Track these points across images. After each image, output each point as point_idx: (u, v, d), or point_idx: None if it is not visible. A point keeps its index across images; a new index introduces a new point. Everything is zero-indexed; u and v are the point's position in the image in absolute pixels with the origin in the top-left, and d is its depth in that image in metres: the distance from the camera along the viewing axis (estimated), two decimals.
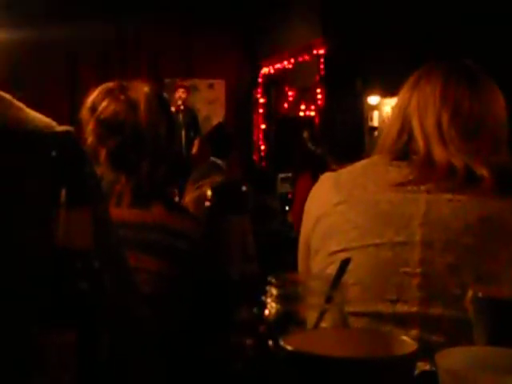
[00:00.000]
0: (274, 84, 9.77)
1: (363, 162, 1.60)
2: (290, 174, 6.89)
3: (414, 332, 1.34)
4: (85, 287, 0.77)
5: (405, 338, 0.75)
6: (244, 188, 0.65)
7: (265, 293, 0.87)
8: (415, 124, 1.55)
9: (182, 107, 8.87)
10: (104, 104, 2.03)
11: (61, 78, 9.59)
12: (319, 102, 8.46)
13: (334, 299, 0.86)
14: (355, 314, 1.38)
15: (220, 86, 10.44)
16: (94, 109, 2.05)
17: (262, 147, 9.88)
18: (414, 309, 1.35)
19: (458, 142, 1.51)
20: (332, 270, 1.46)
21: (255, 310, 0.62)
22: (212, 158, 6.23)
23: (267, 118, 9.88)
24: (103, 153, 2.09)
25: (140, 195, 2.05)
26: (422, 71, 1.62)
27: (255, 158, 9.86)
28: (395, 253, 1.40)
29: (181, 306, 1.79)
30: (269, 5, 9.40)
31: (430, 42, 6.85)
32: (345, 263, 0.90)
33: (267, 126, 9.86)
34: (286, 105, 9.39)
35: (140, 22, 9.74)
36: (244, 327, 0.60)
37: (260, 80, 9.97)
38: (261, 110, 9.98)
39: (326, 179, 1.61)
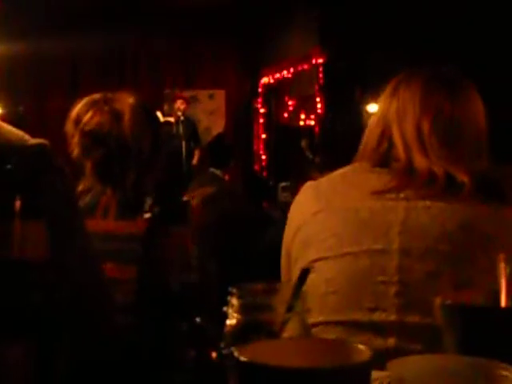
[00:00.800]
0: (274, 94, 9.78)
1: (343, 170, 1.59)
2: (290, 183, 6.90)
3: (392, 340, 1.33)
4: (38, 300, 0.76)
5: (361, 346, 0.74)
6: (185, 199, 0.64)
7: (226, 303, 0.87)
8: (395, 131, 1.55)
9: (181, 118, 8.88)
10: (88, 116, 2.04)
11: (62, 91, 9.61)
12: (319, 111, 8.46)
13: (295, 308, 0.86)
14: (332, 323, 1.37)
15: (220, 96, 10.45)
16: (78, 121, 2.05)
17: (263, 157, 9.87)
18: (392, 317, 1.34)
19: (438, 149, 1.50)
20: (313, 278, 1.46)
21: (197, 320, 0.62)
22: (211, 169, 6.22)
23: (267, 127, 9.88)
24: (89, 165, 2.10)
25: (126, 207, 2.05)
26: (402, 78, 1.61)
27: (256, 167, 9.86)
28: (373, 261, 1.39)
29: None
30: (268, 15, 9.42)
31: (429, 50, 6.85)
32: (304, 272, 0.89)
33: (268, 136, 9.86)
34: (285, 114, 9.39)
35: (140, 33, 9.77)
36: (186, 338, 0.59)
37: (260, 90, 9.97)
38: (261, 120, 9.99)
39: (307, 188, 1.60)
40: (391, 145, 1.55)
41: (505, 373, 0.68)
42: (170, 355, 0.55)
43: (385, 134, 1.56)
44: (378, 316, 1.35)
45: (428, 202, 1.43)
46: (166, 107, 9.75)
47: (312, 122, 8.62)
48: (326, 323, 1.37)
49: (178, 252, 0.57)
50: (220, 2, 9.33)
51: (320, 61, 8.47)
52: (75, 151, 2.10)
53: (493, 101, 1.70)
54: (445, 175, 1.45)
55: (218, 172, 6.21)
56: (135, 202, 2.08)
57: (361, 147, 1.62)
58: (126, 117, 2.04)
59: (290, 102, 9.30)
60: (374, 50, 7.41)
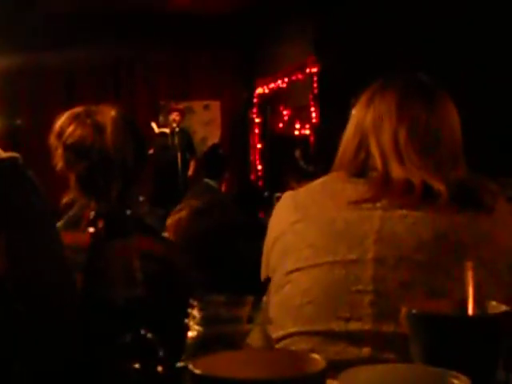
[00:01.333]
0: (269, 103, 9.79)
1: (321, 180, 1.59)
2: None
3: (366, 350, 1.33)
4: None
5: (315, 356, 0.74)
6: (129, 212, 0.64)
7: (188, 316, 0.87)
8: (372, 141, 1.55)
9: (176, 129, 8.89)
10: (71, 129, 2.04)
11: (58, 102, 9.62)
12: (314, 121, 8.47)
13: (256, 320, 0.86)
14: (308, 333, 1.37)
15: (215, 106, 10.46)
16: (61, 134, 2.05)
17: (259, 167, 9.88)
18: (367, 326, 1.34)
19: (415, 158, 1.50)
20: (288, 289, 1.46)
21: (143, 333, 0.62)
22: (205, 179, 6.23)
23: (263, 137, 9.89)
24: (73, 178, 2.10)
25: None
26: (376, 87, 1.61)
27: (252, 177, 9.86)
28: (348, 271, 1.39)
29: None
30: (262, 26, 9.44)
31: (425, 59, 6.86)
32: (264, 284, 0.89)
33: (263, 146, 9.87)
34: (281, 124, 9.40)
35: (135, 44, 9.79)
36: (129, 351, 0.59)
37: (255, 100, 9.99)
38: (256, 130, 9.99)
39: (286, 198, 1.61)
40: (368, 155, 1.55)
41: (456, 381, 0.68)
42: (112, 367, 0.55)
43: (362, 145, 1.57)
44: (353, 325, 1.35)
45: (404, 212, 1.43)
46: (161, 118, 9.76)
47: (307, 132, 8.63)
48: (301, 333, 1.37)
49: (121, 266, 0.57)
50: (215, 13, 9.36)
51: (314, 70, 8.48)
52: (59, 164, 2.10)
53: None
54: (422, 184, 1.46)
55: (212, 182, 6.23)
56: (119, 214, 2.07)
57: (338, 156, 1.62)
58: (108, 129, 2.04)
59: (284, 112, 9.31)
60: (368, 58, 7.42)
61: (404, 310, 0.98)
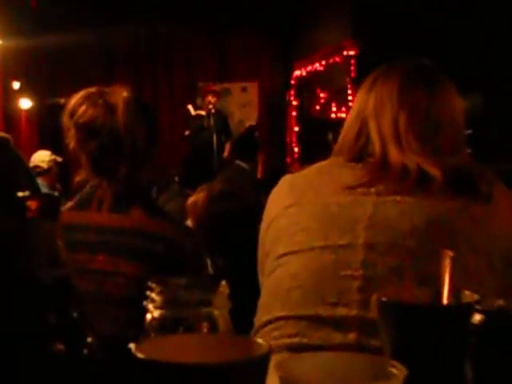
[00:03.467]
0: (306, 86, 9.75)
1: (319, 164, 1.59)
2: None
3: (352, 336, 1.32)
4: None
5: (260, 341, 0.74)
6: (56, 193, 0.65)
7: (146, 298, 0.87)
8: (372, 126, 1.54)
9: (212, 111, 8.90)
10: (82, 108, 2.06)
11: (96, 83, 9.67)
12: (350, 104, 8.42)
13: (215, 303, 0.86)
14: (295, 318, 1.36)
15: (253, 88, 10.45)
16: (73, 114, 2.07)
17: (296, 149, 9.86)
18: (354, 312, 1.33)
19: (414, 143, 1.49)
20: (278, 273, 1.46)
21: (71, 313, 0.63)
22: (237, 161, 6.23)
23: (300, 120, 9.86)
24: (84, 157, 2.12)
25: (120, 200, 2.07)
26: (379, 72, 1.60)
27: (288, 160, 9.85)
28: (338, 256, 1.38)
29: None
30: (301, 8, 9.39)
31: (464, 41, 6.79)
32: (223, 265, 0.89)
33: (300, 128, 9.84)
34: (317, 107, 9.37)
35: (173, 25, 9.82)
36: (54, 332, 0.60)
37: (293, 82, 9.96)
38: (294, 113, 9.97)
39: (283, 181, 1.60)
40: (368, 140, 1.54)
41: (393, 370, 0.68)
42: (36, 347, 0.56)
43: (362, 130, 1.55)
44: (339, 311, 1.34)
45: (398, 197, 1.42)
46: (198, 100, 9.79)
47: (343, 115, 8.58)
48: (288, 318, 1.37)
49: (48, 245, 0.57)
50: None
51: (352, 53, 8.42)
52: (71, 144, 2.12)
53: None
54: (418, 169, 1.44)
55: (244, 165, 6.22)
56: (129, 194, 2.10)
57: (338, 142, 1.61)
58: (120, 110, 2.05)
59: (321, 95, 9.28)
60: (405, 41, 7.35)
61: (374, 297, 0.98)
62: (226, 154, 8.82)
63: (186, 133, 9.15)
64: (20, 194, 0.56)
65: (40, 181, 6.09)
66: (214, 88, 9.33)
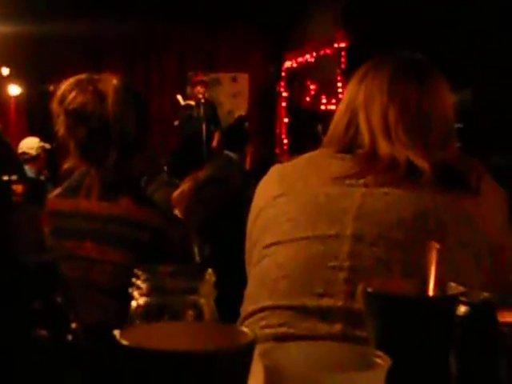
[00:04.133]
0: (297, 77, 9.74)
1: (309, 155, 1.59)
2: None
3: (338, 326, 1.32)
4: None
5: (245, 329, 0.74)
6: (42, 178, 0.65)
7: (132, 285, 0.87)
8: (362, 118, 1.54)
9: (202, 100, 8.88)
10: (72, 95, 2.05)
11: (87, 71, 9.64)
12: (340, 96, 8.41)
13: (201, 291, 0.86)
14: (281, 308, 1.37)
15: (243, 79, 10.44)
16: (62, 100, 2.07)
17: (285, 141, 9.85)
18: (340, 303, 1.34)
19: (403, 136, 1.49)
20: (265, 263, 1.46)
21: (56, 299, 0.62)
22: (226, 152, 6.23)
23: (290, 111, 9.85)
24: (72, 144, 2.11)
25: (108, 187, 2.06)
26: (370, 64, 1.60)
27: (277, 151, 9.85)
28: (326, 246, 1.38)
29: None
30: None
31: (455, 33, 6.80)
32: (211, 254, 0.89)
33: (290, 120, 9.84)
34: (308, 98, 9.36)
35: (165, 16, 9.78)
36: (38, 318, 0.60)
37: (283, 73, 9.94)
38: (284, 104, 9.96)
39: (272, 171, 1.60)
40: (357, 132, 1.54)
41: (378, 360, 0.68)
42: (19, 334, 0.56)
43: (352, 121, 1.55)
44: (325, 302, 1.34)
45: (386, 189, 1.42)
46: (188, 90, 9.77)
47: (333, 107, 8.58)
48: (275, 308, 1.37)
49: (33, 230, 0.57)
50: None
51: (343, 45, 8.42)
52: (61, 130, 2.11)
53: None
54: (407, 162, 1.44)
55: (232, 155, 6.23)
56: (118, 182, 2.09)
57: (328, 133, 1.61)
58: (109, 97, 2.04)
59: (311, 86, 9.27)
60: (396, 34, 7.35)
61: (360, 288, 0.98)
62: (214, 143, 8.82)
63: (176, 123, 9.13)
64: (5, 177, 0.55)
65: (28, 167, 6.08)
66: (203, 78, 9.30)
